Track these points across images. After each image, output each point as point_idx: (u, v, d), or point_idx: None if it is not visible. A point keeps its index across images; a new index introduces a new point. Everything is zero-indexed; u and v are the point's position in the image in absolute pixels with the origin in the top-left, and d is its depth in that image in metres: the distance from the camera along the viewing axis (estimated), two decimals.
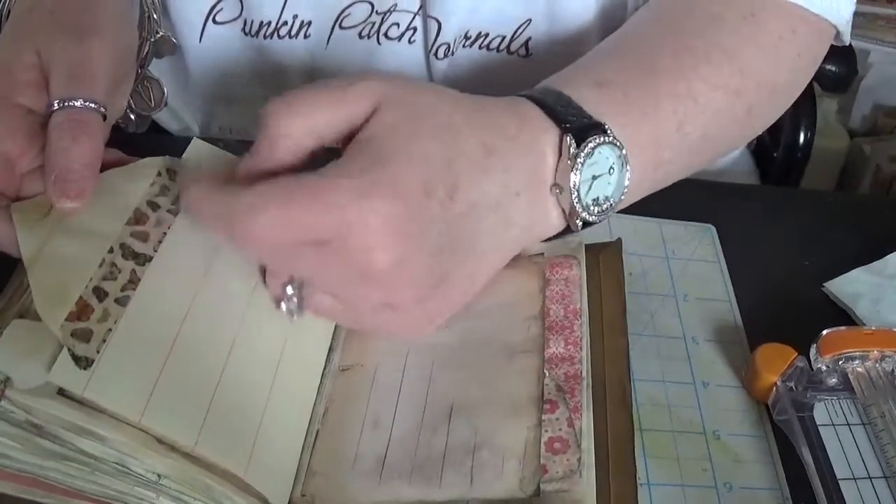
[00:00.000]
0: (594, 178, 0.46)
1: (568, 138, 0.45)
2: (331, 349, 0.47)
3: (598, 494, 0.39)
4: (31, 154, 0.44)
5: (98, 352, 0.37)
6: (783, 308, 0.55)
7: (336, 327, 0.48)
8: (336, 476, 0.41)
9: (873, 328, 0.50)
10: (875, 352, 0.49)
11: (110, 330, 0.38)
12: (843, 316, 0.55)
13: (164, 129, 0.75)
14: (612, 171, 0.46)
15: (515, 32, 0.65)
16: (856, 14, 0.60)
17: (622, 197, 0.47)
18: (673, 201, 0.61)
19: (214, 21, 0.65)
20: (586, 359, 0.44)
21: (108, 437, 0.36)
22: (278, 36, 0.66)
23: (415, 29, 0.65)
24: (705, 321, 0.53)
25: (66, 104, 0.44)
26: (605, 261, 0.50)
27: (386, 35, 0.65)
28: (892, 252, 0.58)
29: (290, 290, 0.42)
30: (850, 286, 0.56)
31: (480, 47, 0.66)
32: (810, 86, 0.81)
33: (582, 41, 0.65)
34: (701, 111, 0.52)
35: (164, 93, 0.59)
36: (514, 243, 0.46)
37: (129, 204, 0.44)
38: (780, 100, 0.59)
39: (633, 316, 0.47)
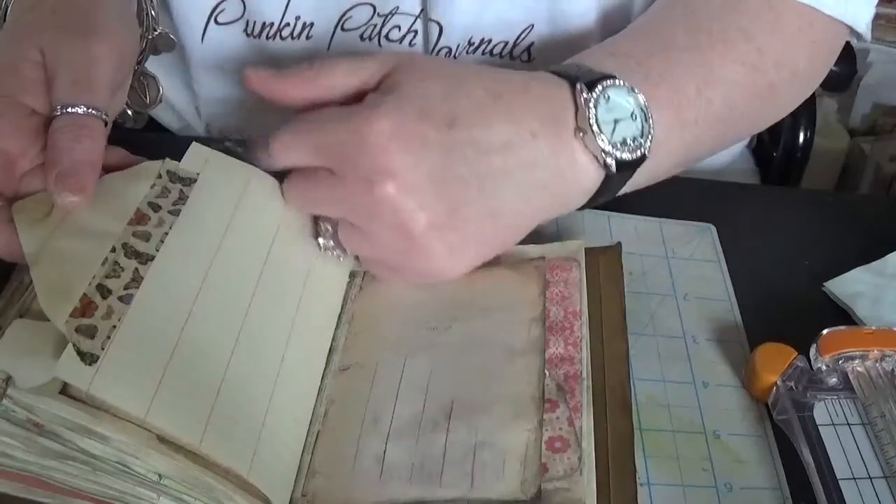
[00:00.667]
0: (616, 121, 0.48)
1: (580, 85, 0.48)
2: (331, 350, 0.47)
3: (599, 495, 0.39)
4: (32, 154, 0.44)
5: (103, 348, 0.37)
6: (783, 308, 0.55)
7: (336, 329, 0.48)
8: (336, 476, 0.41)
9: (873, 328, 0.50)
10: (875, 351, 0.49)
11: (114, 327, 0.38)
12: (843, 316, 0.55)
13: (166, 128, 0.75)
14: (634, 116, 0.48)
15: (518, 37, 0.65)
16: None
17: (651, 143, 0.49)
18: (673, 201, 0.62)
19: (216, 22, 0.65)
20: (586, 359, 0.44)
21: (109, 436, 0.36)
22: (280, 37, 0.66)
23: (416, 32, 0.65)
24: (705, 321, 0.53)
25: (69, 110, 0.44)
26: (604, 265, 0.50)
27: (387, 38, 0.65)
28: (892, 252, 0.58)
29: (325, 226, 0.49)
30: (850, 286, 0.56)
31: (483, 53, 0.66)
32: None
33: (584, 45, 0.65)
34: (719, 80, 0.54)
35: (159, 90, 0.60)
36: (542, 189, 0.48)
37: (130, 205, 0.44)
38: (801, 85, 0.61)
39: (633, 315, 0.47)
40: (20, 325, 0.39)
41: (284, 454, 0.41)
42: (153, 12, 0.57)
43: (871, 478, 0.45)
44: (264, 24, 0.65)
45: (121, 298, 0.39)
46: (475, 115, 0.46)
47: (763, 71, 0.56)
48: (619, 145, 0.47)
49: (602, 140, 0.47)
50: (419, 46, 0.66)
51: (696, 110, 0.53)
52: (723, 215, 0.61)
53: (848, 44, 0.64)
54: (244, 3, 0.64)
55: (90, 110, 0.45)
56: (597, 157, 0.48)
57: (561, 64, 0.51)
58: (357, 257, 0.51)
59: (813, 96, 0.87)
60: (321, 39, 0.66)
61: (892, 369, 0.49)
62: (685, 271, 0.57)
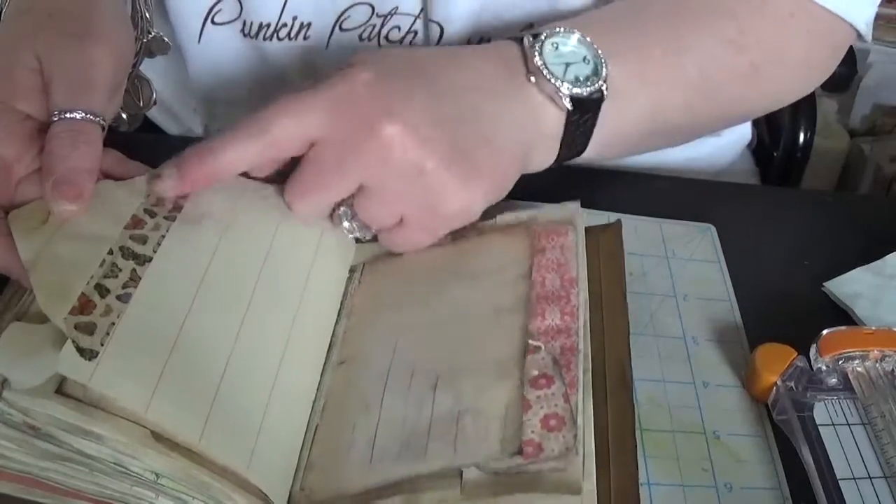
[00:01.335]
0: (568, 64, 0.50)
1: (526, 37, 0.51)
2: (331, 345, 0.47)
3: (599, 476, 0.38)
4: (28, 159, 0.44)
5: (102, 344, 0.37)
6: (783, 308, 0.55)
7: (336, 324, 0.48)
8: (331, 467, 0.41)
9: (873, 328, 0.50)
10: (875, 352, 0.49)
11: (113, 324, 0.38)
12: (843, 316, 0.55)
13: (164, 130, 0.75)
14: (586, 60, 0.51)
15: None
16: None
17: (605, 83, 0.51)
18: (673, 201, 0.62)
19: (213, 22, 0.65)
20: (583, 329, 0.44)
21: (105, 435, 0.36)
22: (278, 37, 0.66)
23: (415, 32, 0.65)
24: (705, 321, 0.53)
25: (66, 115, 0.44)
26: (604, 242, 0.50)
27: (387, 38, 0.65)
28: (891, 252, 0.58)
29: (342, 209, 0.49)
30: (850, 286, 0.56)
31: None
32: None
33: None
34: (692, 49, 0.55)
35: (153, 92, 0.60)
36: (519, 122, 0.50)
37: (126, 211, 0.44)
38: (796, 73, 0.60)
39: (633, 316, 0.47)
40: (17, 328, 0.39)
41: (284, 451, 0.41)
42: (147, 15, 0.57)
43: (871, 478, 0.45)
44: (261, 24, 0.65)
45: (119, 297, 0.39)
46: (439, 65, 0.50)
47: (744, 49, 0.56)
48: (572, 84, 0.50)
49: (553, 79, 0.50)
50: (420, 47, 0.66)
51: (661, 69, 0.54)
52: (723, 215, 0.61)
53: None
54: (241, 4, 0.64)
55: (88, 116, 0.44)
56: (553, 99, 0.50)
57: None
58: (375, 239, 0.51)
59: (813, 97, 0.87)
60: (319, 40, 0.66)
61: (892, 369, 0.49)
62: (685, 272, 0.56)
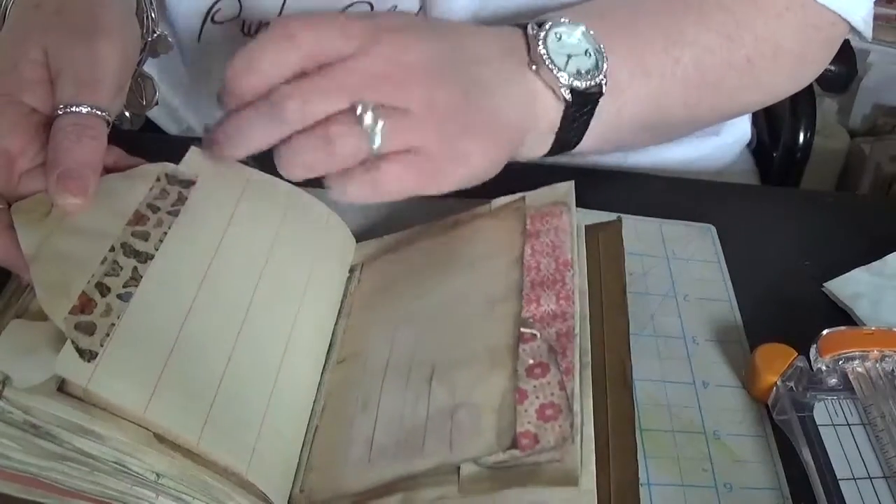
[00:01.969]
0: (570, 56, 0.51)
1: (530, 25, 0.51)
2: (331, 345, 0.47)
3: (599, 475, 0.38)
4: (32, 152, 0.44)
5: (102, 345, 0.37)
6: (783, 308, 0.55)
7: (335, 324, 0.48)
8: (330, 468, 0.41)
9: (873, 328, 0.50)
10: (875, 352, 0.49)
11: (113, 324, 0.38)
12: (843, 316, 0.55)
13: (163, 129, 0.75)
14: (588, 53, 0.51)
15: None
16: None
17: (605, 77, 0.51)
18: (673, 201, 0.62)
19: (213, 20, 0.65)
20: (578, 313, 0.43)
21: (106, 435, 0.36)
22: None
23: None
24: (705, 321, 0.53)
25: (72, 109, 0.44)
26: (604, 240, 0.49)
27: None
28: (892, 252, 0.58)
29: (359, 109, 0.45)
30: (850, 286, 0.56)
31: None
32: (810, 86, 0.81)
33: None
34: (689, 43, 0.55)
35: (156, 91, 0.59)
36: (521, 103, 0.50)
37: (129, 206, 0.44)
38: (790, 66, 0.60)
39: (633, 316, 0.47)
40: (17, 325, 0.39)
41: (284, 451, 0.41)
42: (153, 14, 0.57)
43: (871, 478, 0.45)
44: (261, 22, 0.65)
45: (119, 296, 0.39)
46: (451, 34, 0.50)
47: (740, 42, 0.56)
48: (572, 76, 0.50)
49: (555, 70, 0.50)
50: None
51: (660, 64, 0.54)
52: (723, 215, 0.61)
53: (848, 44, 0.64)
54: (240, 2, 0.64)
55: (93, 110, 0.44)
56: (553, 89, 0.50)
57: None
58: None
59: (813, 97, 0.87)
60: None
61: (892, 369, 0.49)
62: (685, 272, 0.56)
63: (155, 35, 0.58)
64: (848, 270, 0.57)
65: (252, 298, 0.44)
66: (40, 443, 0.36)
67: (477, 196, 0.52)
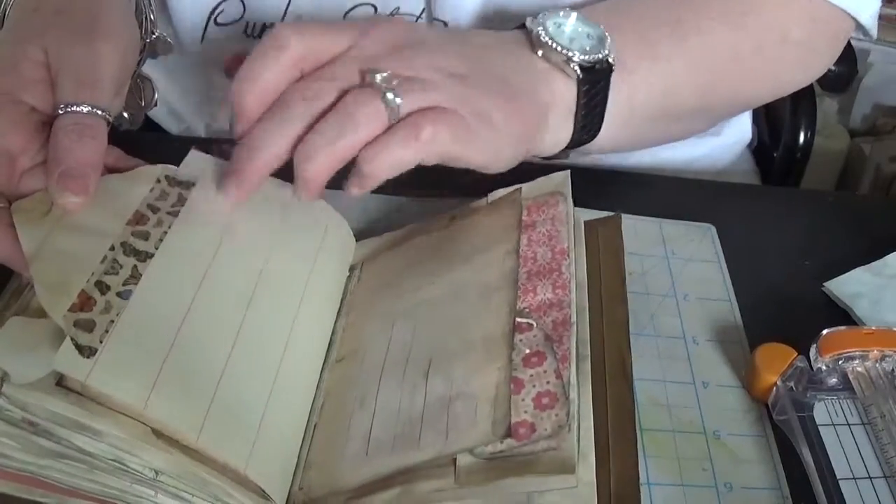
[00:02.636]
0: (571, 39, 0.51)
1: (528, 20, 0.52)
2: (330, 343, 0.47)
3: (599, 466, 0.38)
4: (32, 151, 0.44)
5: (101, 341, 0.37)
6: (783, 308, 0.55)
7: (335, 322, 0.48)
8: (328, 464, 0.41)
9: (873, 328, 0.50)
10: (875, 352, 0.49)
11: (112, 321, 0.38)
12: (843, 316, 0.55)
13: (165, 129, 0.75)
14: (590, 36, 0.51)
15: None
16: None
17: (612, 52, 0.51)
18: (673, 201, 0.62)
19: (216, 23, 0.65)
20: (574, 302, 0.43)
21: (104, 431, 0.36)
22: None
23: None
24: (705, 321, 0.53)
25: (72, 108, 0.44)
26: (603, 235, 0.50)
27: None
28: (892, 252, 0.58)
29: (368, 76, 0.44)
30: (850, 286, 0.56)
31: None
32: (810, 85, 0.81)
33: None
34: (696, 31, 0.55)
35: (155, 92, 0.59)
36: (533, 83, 0.50)
37: (129, 206, 0.44)
38: (799, 55, 0.61)
39: (633, 316, 0.47)
40: (16, 322, 0.39)
41: (283, 449, 0.41)
42: (151, 16, 0.57)
43: (871, 478, 0.45)
44: (264, 25, 0.65)
45: (119, 294, 0.40)
46: (444, 28, 0.52)
47: (747, 30, 0.57)
48: (577, 50, 0.50)
49: (560, 48, 0.50)
50: None
51: (669, 48, 0.55)
52: (723, 215, 0.61)
53: (848, 44, 0.64)
54: (244, 4, 0.64)
55: (94, 110, 0.45)
56: (562, 69, 0.51)
57: None
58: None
59: (813, 97, 0.87)
60: None
61: (892, 369, 0.49)
62: (685, 272, 0.56)
63: (154, 36, 0.58)
64: (848, 270, 0.57)
65: (252, 297, 0.44)
66: (39, 441, 0.36)
67: (477, 196, 0.52)
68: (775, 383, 0.48)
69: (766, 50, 0.58)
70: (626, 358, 0.43)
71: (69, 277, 0.39)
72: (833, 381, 0.49)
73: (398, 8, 0.64)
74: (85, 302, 0.38)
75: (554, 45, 0.50)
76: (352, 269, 0.52)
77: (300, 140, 0.44)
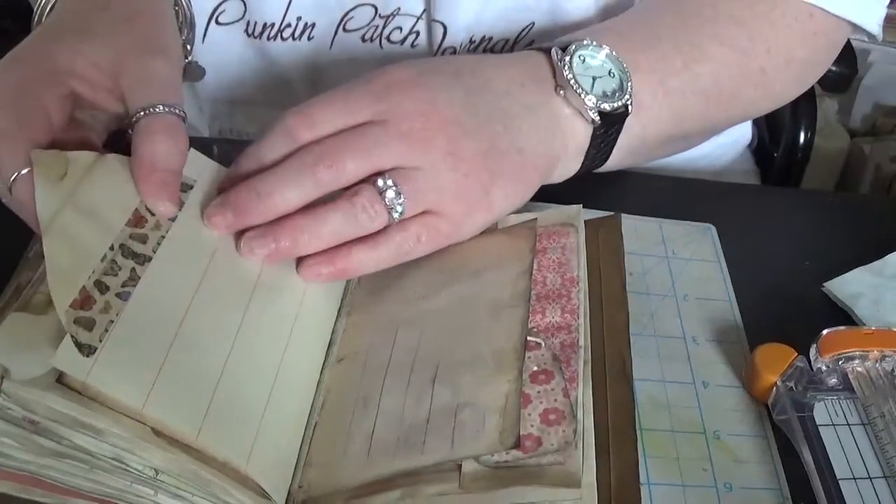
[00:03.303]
0: (595, 78, 0.51)
1: (554, 49, 0.52)
2: (331, 342, 0.47)
3: (599, 468, 0.38)
4: (64, 123, 0.45)
5: (100, 340, 0.37)
6: (783, 308, 0.55)
7: (336, 321, 0.48)
8: (329, 463, 0.41)
9: (873, 328, 0.50)
10: (875, 352, 0.49)
11: (112, 321, 0.38)
12: (843, 316, 0.55)
13: None
14: (612, 74, 0.52)
15: (519, 36, 0.65)
16: None
17: (630, 96, 0.52)
18: (673, 201, 0.62)
19: (217, 22, 0.65)
20: (583, 327, 0.44)
21: (105, 429, 0.36)
22: (282, 38, 0.66)
23: (417, 33, 0.65)
24: (705, 321, 0.53)
25: (150, 111, 0.44)
26: (603, 235, 0.50)
27: (388, 39, 0.65)
28: (892, 252, 0.58)
29: (380, 182, 0.46)
30: (850, 286, 0.56)
31: (484, 51, 0.66)
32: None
33: None
34: (706, 58, 0.56)
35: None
36: (547, 132, 0.51)
37: (130, 202, 0.44)
38: (798, 73, 0.61)
39: (633, 316, 0.47)
40: (16, 318, 0.39)
41: (283, 448, 0.41)
42: (189, 46, 0.58)
43: (871, 478, 0.45)
44: (265, 24, 0.65)
45: (118, 295, 0.40)
46: (471, 69, 0.50)
47: (754, 55, 0.57)
48: (599, 98, 0.51)
49: (582, 94, 0.50)
50: (422, 47, 0.66)
51: (681, 80, 0.55)
52: (723, 215, 0.61)
53: (848, 44, 0.65)
54: (245, 4, 0.64)
55: (171, 108, 0.45)
56: (581, 112, 0.51)
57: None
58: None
59: (813, 97, 0.87)
60: (323, 40, 0.66)
61: (892, 369, 0.49)
62: (685, 271, 0.57)
63: (187, 60, 0.58)
64: (848, 270, 0.57)
65: (251, 296, 0.44)
66: (39, 440, 0.36)
67: None
68: (775, 383, 0.48)
69: (772, 72, 0.58)
70: (626, 360, 0.43)
71: (76, 267, 0.39)
72: (833, 381, 0.49)
73: (399, 9, 0.64)
74: (85, 300, 0.38)
75: (577, 87, 0.50)
76: None
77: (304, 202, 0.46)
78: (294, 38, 0.66)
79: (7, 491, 0.38)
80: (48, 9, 0.50)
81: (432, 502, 0.38)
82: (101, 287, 0.39)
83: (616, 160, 0.55)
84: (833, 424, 0.47)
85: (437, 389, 0.42)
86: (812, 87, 0.85)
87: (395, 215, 0.46)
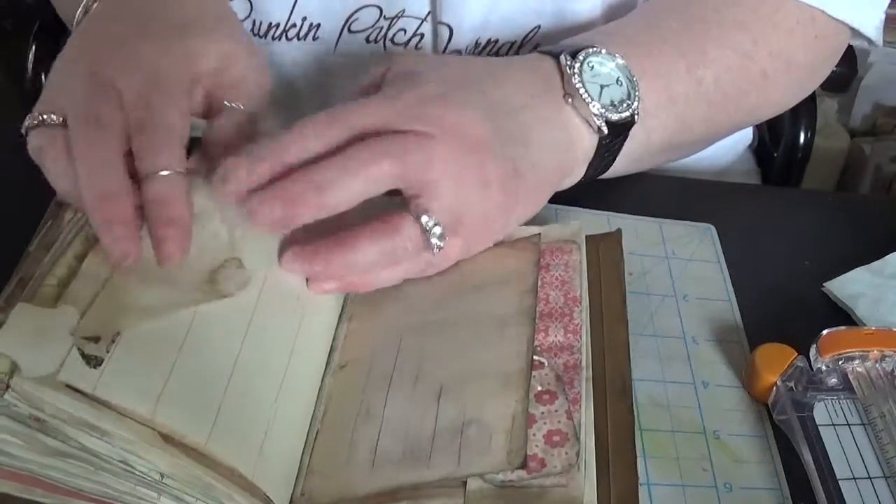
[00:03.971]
0: (603, 87, 0.51)
1: (563, 56, 0.51)
2: (332, 349, 0.47)
3: (599, 484, 0.38)
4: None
5: (107, 351, 0.37)
6: (783, 308, 0.55)
7: (336, 328, 0.48)
8: (332, 472, 0.41)
9: (873, 328, 0.50)
10: (875, 352, 0.49)
11: (118, 332, 0.38)
12: (843, 316, 0.55)
13: None
14: (619, 82, 0.52)
15: (525, 38, 0.65)
16: None
17: (638, 104, 0.51)
18: (673, 201, 0.62)
19: None
20: (586, 347, 0.44)
21: (113, 431, 0.36)
22: (286, 38, 0.66)
23: (421, 35, 0.65)
24: (705, 321, 0.53)
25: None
26: (604, 251, 0.50)
27: (392, 41, 0.65)
28: (892, 252, 0.58)
29: (425, 219, 0.45)
30: (850, 286, 0.56)
31: (490, 53, 0.66)
32: None
33: None
34: (710, 63, 0.56)
35: None
36: (558, 145, 0.51)
37: None
38: (800, 77, 0.61)
39: (633, 316, 0.47)
40: (25, 310, 0.38)
41: (287, 455, 0.41)
42: None
43: (871, 478, 0.45)
44: (270, 24, 0.65)
45: None
46: (487, 82, 0.49)
47: (756, 59, 0.57)
48: (607, 108, 0.50)
49: (590, 103, 0.50)
50: (426, 49, 0.66)
51: (685, 86, 0.55)
52: (723, 215, 0.61)
53: (849, 45, 0.64)
54: (251, 3, 0.64)
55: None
56: (588, 121, 0.51)
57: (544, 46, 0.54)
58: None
59: (813, 97, 0.87)
60: (328, 41, 0.66)
61: (892, 369, 0.49)
62: (685, 272, 0.57)
63: None
64: (848, 270, 0.57)
65: (258, 301, 0.44)
66: (45, 439, 0.36)
67: None
68: (775, 383, 0.48)
69: (773, 77, 0.58)
70: (626, 378, 0.43)
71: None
72: (833, 381, 0.49)
73: (403, 10, 0.64)
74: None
75: (585, 95, 0.50)
76: None
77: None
78: (299, 39, 0.66)
79: (8, 491, 0.38)
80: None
81: None
82: None
83: (620, 167, 0.55)
84: (833, 424, 0.47)
85: (442, 404, 0.42)
86: None
87: (436, 251, 0.45)
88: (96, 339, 0.37)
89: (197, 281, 0.43)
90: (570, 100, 0.51)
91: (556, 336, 0.45)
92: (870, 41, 0.62)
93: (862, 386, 0.48)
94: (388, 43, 0.65)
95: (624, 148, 0.54)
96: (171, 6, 0.49)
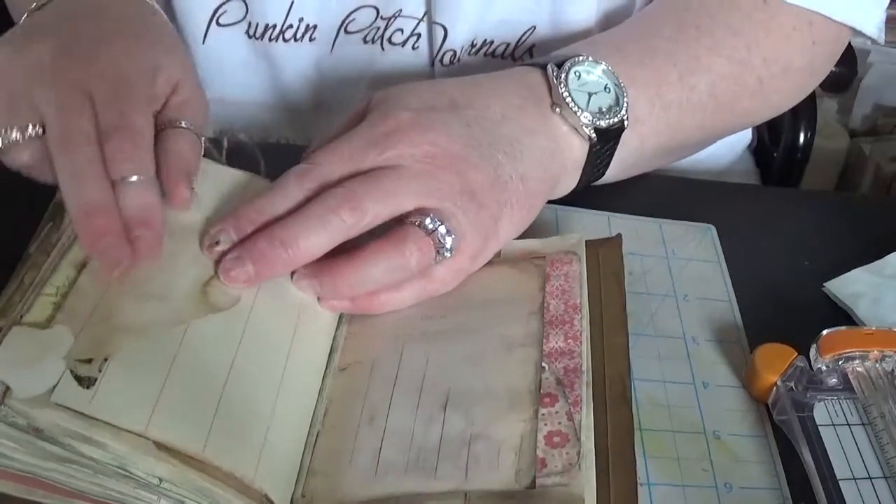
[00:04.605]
0: (591, 94, 0.51)
1: (550, 66, 0.51)
2: (332, 350, 0.47)
3: (598, 489, 0.38)
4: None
5: (100, 371, 0.37)
6: (783, 308, 0.55)
7: (336, 329, 0.48)
8: (334, 474, 0.41)
9: (873, 328, 0.50)
10: (875, 352, 0.49)
11: (111, 352, 0.38)
12: (843, 316, 0.55)
13: None
14: (608, 89, 0.52)
15: (520, 39, 0.65)
16: None
17: (626, 112, 0.52)
18: (673, 201, 0.62)
19: (218, 23, 0.65)
20: (586, 353, 0.44)
21: (108, 444, 0.36)
22: (283, 39, 0.66)
23: (418, 35, 0.65)
24: (705, 321, 0.53)
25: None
26: (604, 256, 0.50)
27: (389, 41, 0.65)
28: (892, 252, 0.58)
29: (427, 222, 0.45)
30: (850, 286, 0.56)
31: (485, 54, 0.66)
32: None
33: None
34: (703, 70, 0.56)
35: None
36: (547, 154, 0.51)
37: None
38: (797, 82, 0.61)
39: (633, 316, 0.47)
40: (18, 333, 0.38)
41: (287, 457, 0.41)
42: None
43: (871, 478, 0.45)
44: (267, 25, 0.65)
45: None
46: (468, 96, 0.50)
47: (751, 66, 0.57)
48: (595, 115, 0.51)
49: (578, 112, 0.50)
50: (423, 49, 0.66)
51: (678, 93, 0.55)
52: (723, 215, 0.61)
53: (849, 45, 0.65)
54: (247, 5, 0.64)
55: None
56: (577, 129, 0.51)
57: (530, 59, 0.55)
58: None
59: (813, 97, 0.87)
60: (324, 42, 0.66)
61: (892, 369, 0.49)
62: (685, 272, 0.57)
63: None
64: (848, 270, 0.57)
65: (254, 304, 0.44)
66: (44, 445, 0.36)
67: None
68: (775, 383, 0.48)
69: (769, 82, 0.58)
70: (626, 383, 0.44)
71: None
72: (833, 381, 0.49)
73: (400, 10, 0.64)
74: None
75: (572, 104, 0.50)
76: None
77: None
78: (296, 40, 0.66)
79: (8, 491, 0.38)
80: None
81: None
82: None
83: (614, 173, 0.56)
84: (833, 424, 0.47)
85: (448, 415, 0.42)
86: None
87: (446, 254, 0.46)
88: (89, 361, 0.37)
89: (189, 294, 0.43)
90: (557, 109, 0.51)
91: (556, 342, 0.45)
92: (871, 39, 0.62)
93: (862, 386, 0.48)
94: (385, 44, 0.65)
95: (617, 154, 0.54)
96: (134, 20, 0.50)
